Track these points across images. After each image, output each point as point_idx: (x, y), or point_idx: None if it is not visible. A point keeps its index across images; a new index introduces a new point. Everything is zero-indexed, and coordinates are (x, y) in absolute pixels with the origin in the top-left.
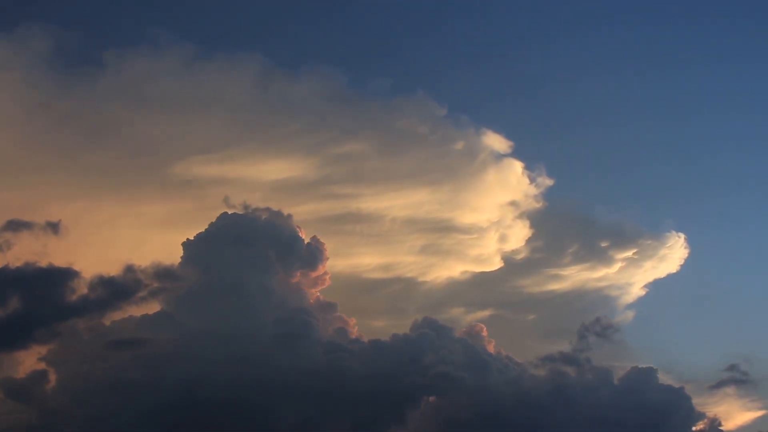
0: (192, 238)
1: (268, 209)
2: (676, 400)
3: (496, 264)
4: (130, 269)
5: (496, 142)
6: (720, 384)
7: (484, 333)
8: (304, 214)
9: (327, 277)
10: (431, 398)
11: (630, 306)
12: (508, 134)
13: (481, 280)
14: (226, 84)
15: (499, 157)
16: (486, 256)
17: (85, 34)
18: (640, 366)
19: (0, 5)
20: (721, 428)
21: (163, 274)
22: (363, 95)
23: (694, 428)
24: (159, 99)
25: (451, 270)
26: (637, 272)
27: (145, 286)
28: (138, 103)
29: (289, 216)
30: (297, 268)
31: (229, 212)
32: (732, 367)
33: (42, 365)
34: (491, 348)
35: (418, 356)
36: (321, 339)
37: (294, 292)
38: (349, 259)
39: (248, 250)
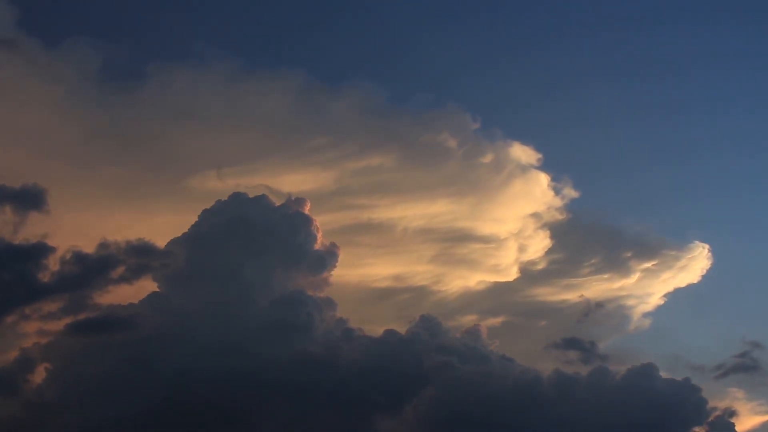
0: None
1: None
2: (684, 392)
3: (513, 275)
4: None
5: (524, 154)
6: (727, 372)
7: (484, 333)
8: (327, 224)
9: (330, 279)
10: (427, 390)
11: (648, 314)
12: (538, 147)
13: (496, 289)
14: (266, 99)
15: (525, 169)
16: (503, 266)
17: (132, 48)
18: (642, 362)
19: (48, 20)
20: (732, 421)
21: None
22: (401, 110)
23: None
24: (198, 113)
25: (467, 280)
26: (656, 282)
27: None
28: (176, 116)
29: (290, 195)
30: (302, 257)
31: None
32: (743, 354)
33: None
34: (493, 347)
35: (413, 349)
36: (318, 331)
37: (293, 282)
38: (362, 269)
39: (244, 233)
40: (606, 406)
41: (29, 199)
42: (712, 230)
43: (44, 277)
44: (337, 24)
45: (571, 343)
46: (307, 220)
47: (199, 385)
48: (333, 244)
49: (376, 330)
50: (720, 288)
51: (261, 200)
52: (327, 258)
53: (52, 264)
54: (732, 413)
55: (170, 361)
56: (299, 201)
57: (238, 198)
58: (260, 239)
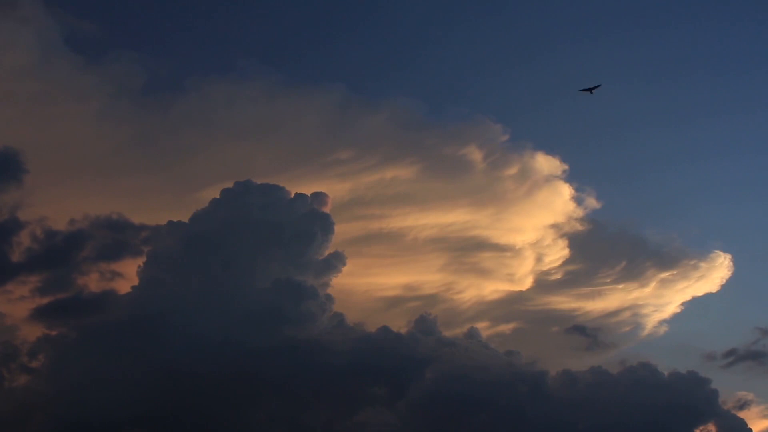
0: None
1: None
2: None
3: (527, 284)
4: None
5: (550, 165)
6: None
7: (483, 334)
8: (340, 234)
9: (333, 281)
10: (423, 380)
11: (663, 322)
12: (564, 158)
13: (510, 298)
14: (303, 113)
15: (550, 179)
16: (518, 276)
17: (173, 62)
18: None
19: (92, 37)
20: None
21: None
22: (435, 123)
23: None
24: (232, 126)
25: (480, 288)
26: (672, 291)
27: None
28: (209, 130)
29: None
30: (306, 250)
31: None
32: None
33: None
34: (494, 345)
35: (407, 344)
36: (312, 322)
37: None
38: (372, 278)
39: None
40: (606, 403)
41: None
42: (735, 240)
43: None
44: (379, 40)
45: (576, 330)
46: (321, 217)
47: (189, 374)
48: (337, 251)
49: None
50: (739, 295)
51: (270, 190)
52: (333, 261)
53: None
54: (744, 404)
55: (156, 349)
56: (318, 197)
57: (246, 186)
58: (260, 229)
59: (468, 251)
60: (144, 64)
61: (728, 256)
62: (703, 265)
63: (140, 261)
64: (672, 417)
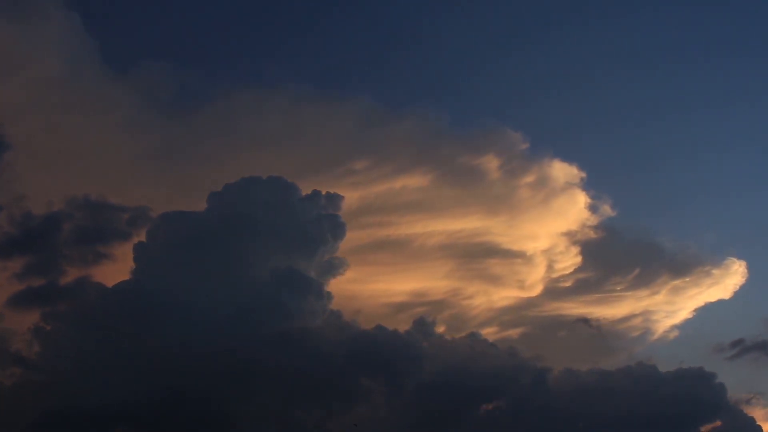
0: None
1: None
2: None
3: (537, 291)
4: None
5: (568, 173)
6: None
7: (489, 339)
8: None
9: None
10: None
11: (674, 327)
12: (582, 165)
13: (519, 304)
14: (327, 123)
15: (566, 187)
16: (529, 282)
17: (201, 72)
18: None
19: (123, 48)
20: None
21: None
22: (456, 133)
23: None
24: (254, 136)
25: (490, 294)
26: (685, 297)
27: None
28: (232, 139)
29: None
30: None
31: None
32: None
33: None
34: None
35: (405, 341)
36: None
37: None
38: (380, 285)
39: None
40: (608, 400)
41: None
42: (750, 247)
43: None
44: (406, 52)
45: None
46: (330, 217)
47: (183, 363)
48: (339, 256)
49: None
50: (751, 301)
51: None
52: (337, 262)
53: None
54: (752, 398)
55: (149, 338)
56: (332, 198)
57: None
58: (261, 222)
59: (478, 258)
60: (172, 75)
61: (743, 263)
62: (716, 272)
63: (136, 249)
64: (677, 413)
